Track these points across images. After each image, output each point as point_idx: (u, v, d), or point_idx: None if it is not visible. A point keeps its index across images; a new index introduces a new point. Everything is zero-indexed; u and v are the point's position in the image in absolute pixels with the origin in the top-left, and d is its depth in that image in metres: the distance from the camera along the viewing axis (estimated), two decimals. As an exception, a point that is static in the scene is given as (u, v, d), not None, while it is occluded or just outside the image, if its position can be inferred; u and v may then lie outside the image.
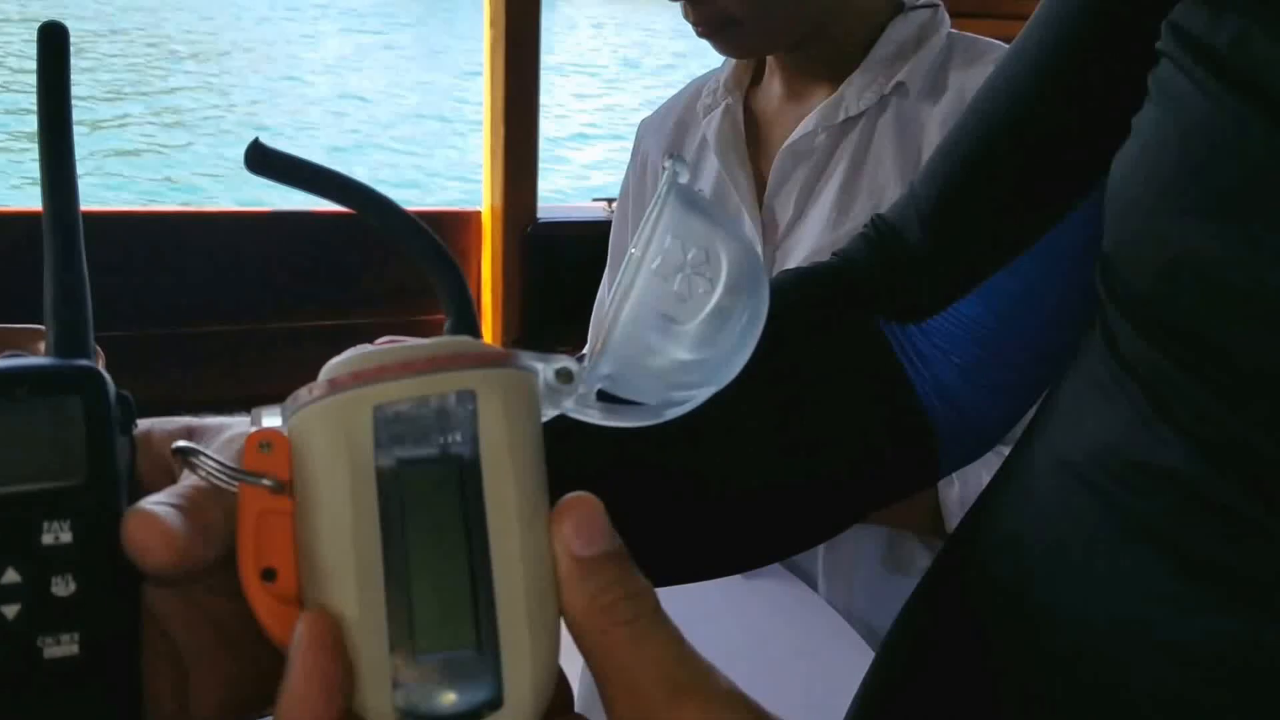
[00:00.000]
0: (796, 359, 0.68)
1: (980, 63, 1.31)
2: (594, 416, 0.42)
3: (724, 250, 0.42)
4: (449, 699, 0.38)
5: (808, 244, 1.35)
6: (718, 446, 0.66)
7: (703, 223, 0.42)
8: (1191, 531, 0.49)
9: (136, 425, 0.43)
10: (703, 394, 0.43)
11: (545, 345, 2.68)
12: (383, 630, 0.38)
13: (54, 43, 0.42)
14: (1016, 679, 0.56)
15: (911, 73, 1.33)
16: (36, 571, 0.38)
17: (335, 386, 0.38)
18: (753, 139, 1.46)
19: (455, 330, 0.43)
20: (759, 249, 1.39)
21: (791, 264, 1.35)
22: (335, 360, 0.40)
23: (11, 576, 0.38)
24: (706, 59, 1.53)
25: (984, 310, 0.67)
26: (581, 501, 0.39)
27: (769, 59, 1.48)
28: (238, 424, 0.45)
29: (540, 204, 2.77)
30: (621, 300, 0.42)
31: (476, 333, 0.42)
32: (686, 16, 1.34)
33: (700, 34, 1.35)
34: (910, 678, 0.67)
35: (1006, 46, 0.72)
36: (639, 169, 1.60)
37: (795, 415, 0.68)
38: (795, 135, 1.37)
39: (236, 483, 0.39)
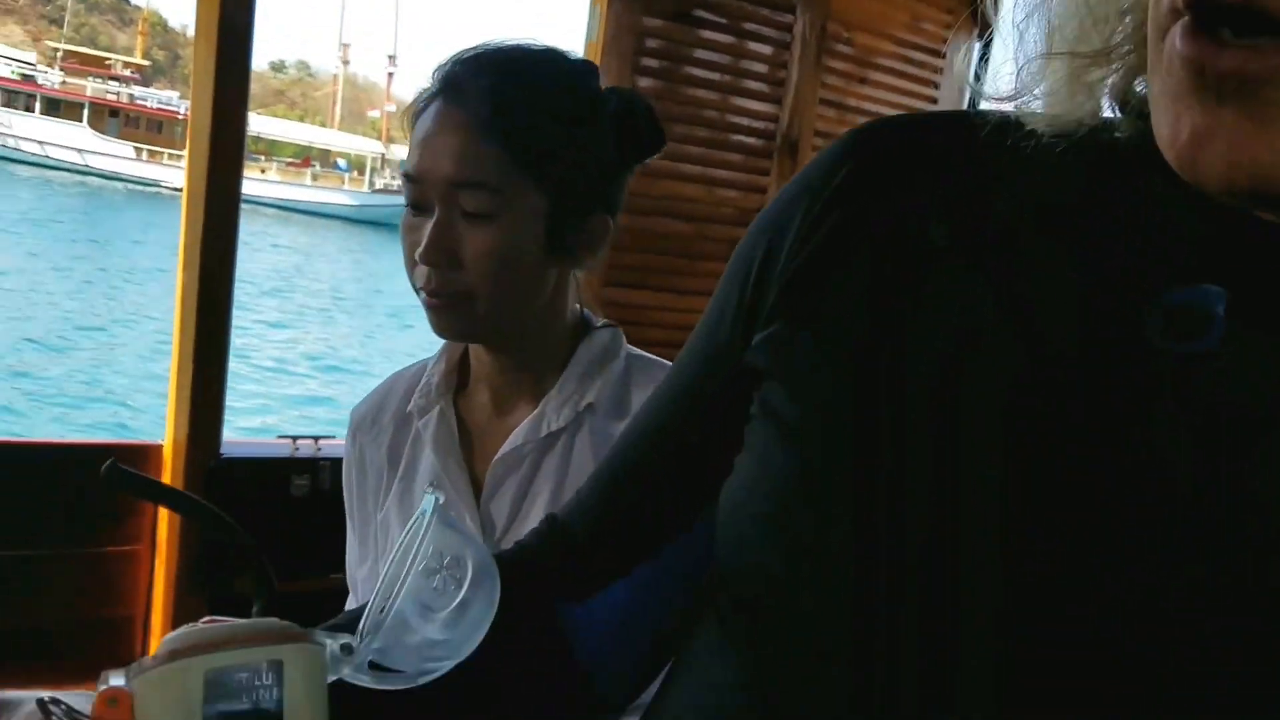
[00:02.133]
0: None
1: (655, 383, 1.46)
2: (365, 680, 0.56)
3: (470, 557, 0.57)
4: None
5: None
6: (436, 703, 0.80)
7: (455, 536, 0.57)
8: None
9: None
10: (448, 664, 0.57)
11: (222, 578, 2.71)
12: None
13: None
14: None
15: (599, 394, 1.46)
16: None
17: (176, 655, 0.51)
18: (465, 442, 1.53)
19: (264, 613, 0.56)
20: None
21: None
22: (173, 634, 0.52)
23: None
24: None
25: (628, 595, 0.85)
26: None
27: (475, 370, 1.57)
28: (29, 698, 0.56)
29: (225, 440, 2.81)
30: (393, 593, 0.56)
31: (280, 614, 0.55)
32: (424, 285, 1.39)
33: (429, 304, 1.40)
34: None
35: None
36: (357, 459, 1.64)
37: (488, 683, 0.82)
38: (506, 448, 1.47)
39: None
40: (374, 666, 0.56)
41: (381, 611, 0.56)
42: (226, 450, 2.81)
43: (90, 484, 2.76)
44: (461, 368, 1.60)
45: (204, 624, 0.53)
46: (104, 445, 3.19)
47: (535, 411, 1.49)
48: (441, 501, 0.57)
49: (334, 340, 18.51)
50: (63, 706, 0.52)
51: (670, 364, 0.92)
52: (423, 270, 1.39)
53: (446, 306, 1.40)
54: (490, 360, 1.53)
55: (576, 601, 0.86)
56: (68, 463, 2.83)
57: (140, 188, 43.43)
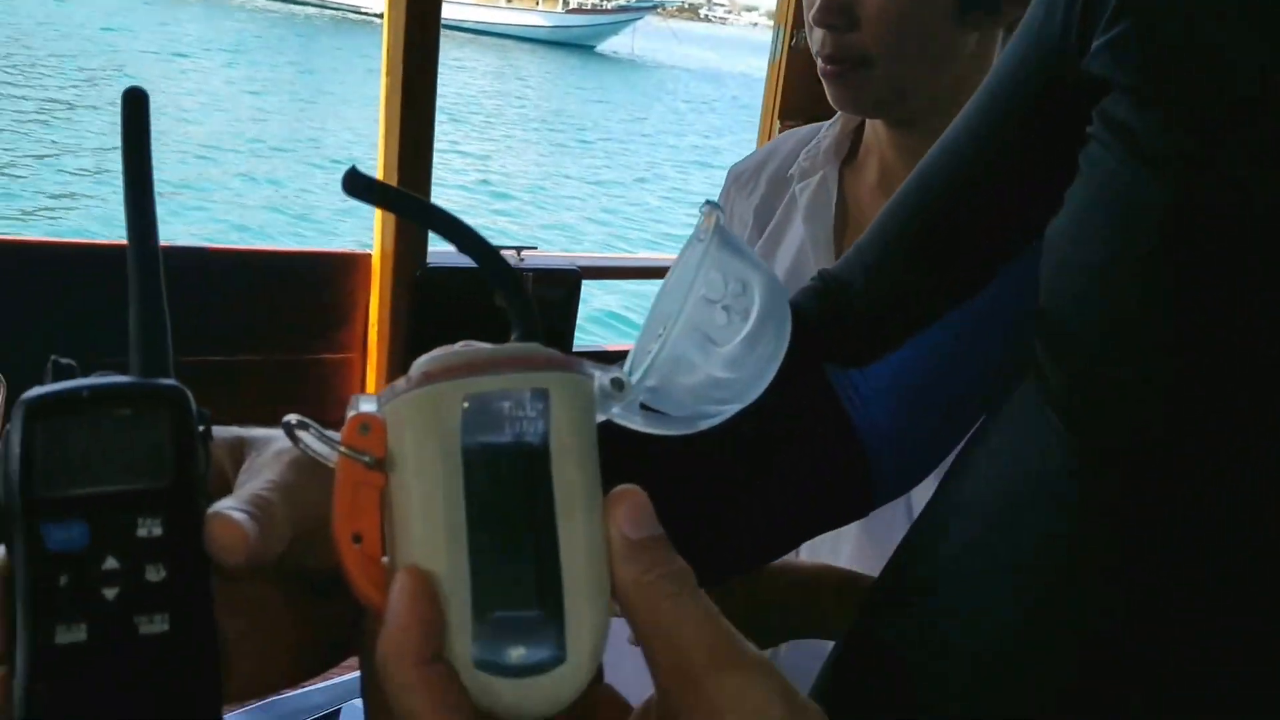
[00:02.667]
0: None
1: None
2: (635, 423, 0.48)
3: (758, 285, 0.49)
4: (518, 654, 0.43)
5: None
6: (705, 466, 0.72)
7: (741, 260, 0.49)
8: (1106, 559, 0.56)
9: (211, 436, 0.49)
10: (730, 409, 0.49)
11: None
12: (466, 590, 0.43)
13: (135, 105, 0.48)
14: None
15: None
16: (133, 559, 0.44)
17: (431, 378, 0.44)
18: (840, 215, 1.41)
19: (523, 339, 0.49)
20: None
21: None
22: (426, 357, 0.46)
23: (112, 563, 0.44)
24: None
25: (916, 359, 0.75)
26: (631, 492, 0.45)
27: (869, 140, 1.43)
28: (278, 436, 0.51)
29: (430, 250, 2.81)
30: (669, 323, 0.48)
31: (542, 342, 0.48)
32: (819, 51, 1.27)
33: (826, 73, 1.29)
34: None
35: None
36: (728, 216, 1.55)
37: (758, 448, 0.75)
38: None
39: (336, 457, 0.45)
40: (645, 409, 0.49)
41: (653, 349, 0.48)
42: (432, 260, 2.80)
43: (304, 292, 2.78)
44: (856, 136, 1.45)
45: (459, 347, 0.46)
46: (316, 253, 3.21)
47: None
48: (723, 222, 0.49)
49: (521, 162, 18.59)
50: (312, 429, 0.46)
51: None
52: (819, 34, 1.26)
53: (843, 73, 1.27)
54: (888, 134, 1.38)
55: (856, 366, 0.77)
56: (283, 270, 2.85)
57: (343, 14, 44.49)
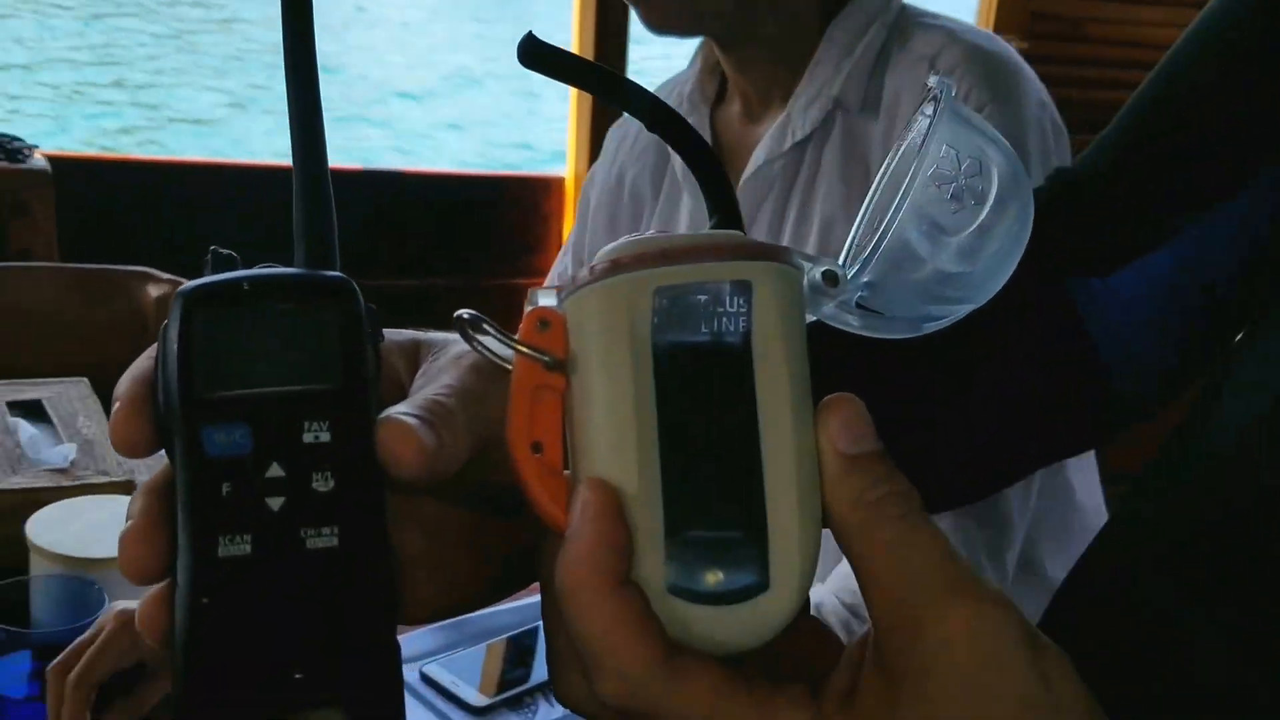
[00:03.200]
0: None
1: (917, 63, 1.15)
2: (851, 324, 0.42)
3: (997, 163, 0.42)
4: (715, 578, 0.38)
5: None
6: (921, 383, 0.66)
7: (976, 134, 0.42)
8: None
9: (381, 336, 0.45)
10: (961, 310, 0.42)
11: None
12: (658, 506, 0.38)
13: (298, 7, 0.44)
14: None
15: (847, 84, 1.19)
16: (299, 467, 0.40)
17: (619, 267, 0.39)
18: (722, 159, 1.30)
19: (722, 226, 0.43)
20: None
21: None
22: (613, 245, 0.40)
23: (276, 471, 0.40)
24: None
25: (1166, 265, 0.67)
26: (846, 400, 0.39)
27: (729, 76, 1.33)
28: (458, 339, 0.46)
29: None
30: (888, 212, 0.41)
31: (742, 229, 0.42)
32: None
33: None
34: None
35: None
36: (614, 180, 1.45)
37: (982, 362, 0.68)
38: (749, 169, 1.26)
39: (512, 357, 0.40)
40: (861, 308, 0.42)
41: (871, 242, 0.42)
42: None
43: (497, 216, 2.78)
44: (720, 77, 1.35)
45: (652, 234, 0.41)
46: (509, 177, 3.22)
47: (781, 116, 1.23)
48: (954, 93, 0.42)
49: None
50: (488, 326, 0.41)
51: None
52: None
53: None
54: (731, 58, 1.28)
55: (1096, 273, 0.69)
56: (476, 193, 2.85)
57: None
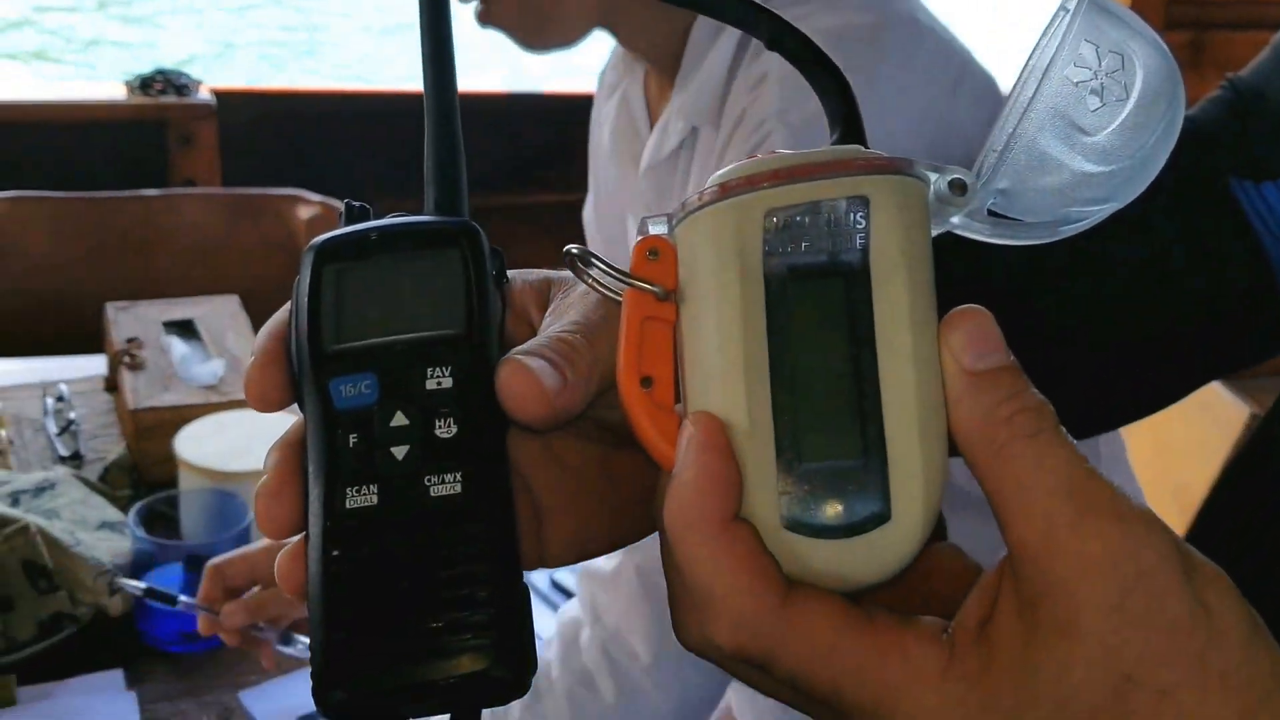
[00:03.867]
0: (1146, 214, 0.64)
1: (763, 82, 1.04)
2: (981, 232, 0.39)
3: (1140, 57, 0.38)
4: (834, 510, 0.36)
5: None
6: (1075, 290, 0.63)
7: (1118, 28, 0.38)
8: None
9: (508, 279, 0.44)
10: (1104, 210, 0.39)
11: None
12: (770, 437, 0.36)
13: None
14: None
15: (697, 98, 1.09)
16: (422, 415, 0.39)
17: (728, 190, 0.37)
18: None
19: (842, 141, 0.40)
20: None
21: None
22: (725, 169, 0.38)
23: (400, 419, 0.39)
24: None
25: None
26: (972, 312, 0.36)
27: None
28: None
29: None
30: (1020, 112, 0.38)
31: (864, 142, 0.40)
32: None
33: (475, 14, 1.13)
34: None
35: None
36: (596, 120, 1.37)
37: (1147, 269, 0.64)
38: (644, 164, 1.19)
39: (622, 290, 0.39)
40: (992, 215, 0.39)
41: (1001, 145, 0.39)
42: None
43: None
44: None
45: (764, 155, 0.38)
46: (549, 95, 3.18)
47: (660, 120, 1.15)
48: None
49: None
50: (596, 260, 0.40)
51: None
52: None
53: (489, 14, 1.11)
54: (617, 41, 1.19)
55: (1270, 178, 0.65)
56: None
57: None
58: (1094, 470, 0.34)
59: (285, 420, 0.43)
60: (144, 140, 2.86)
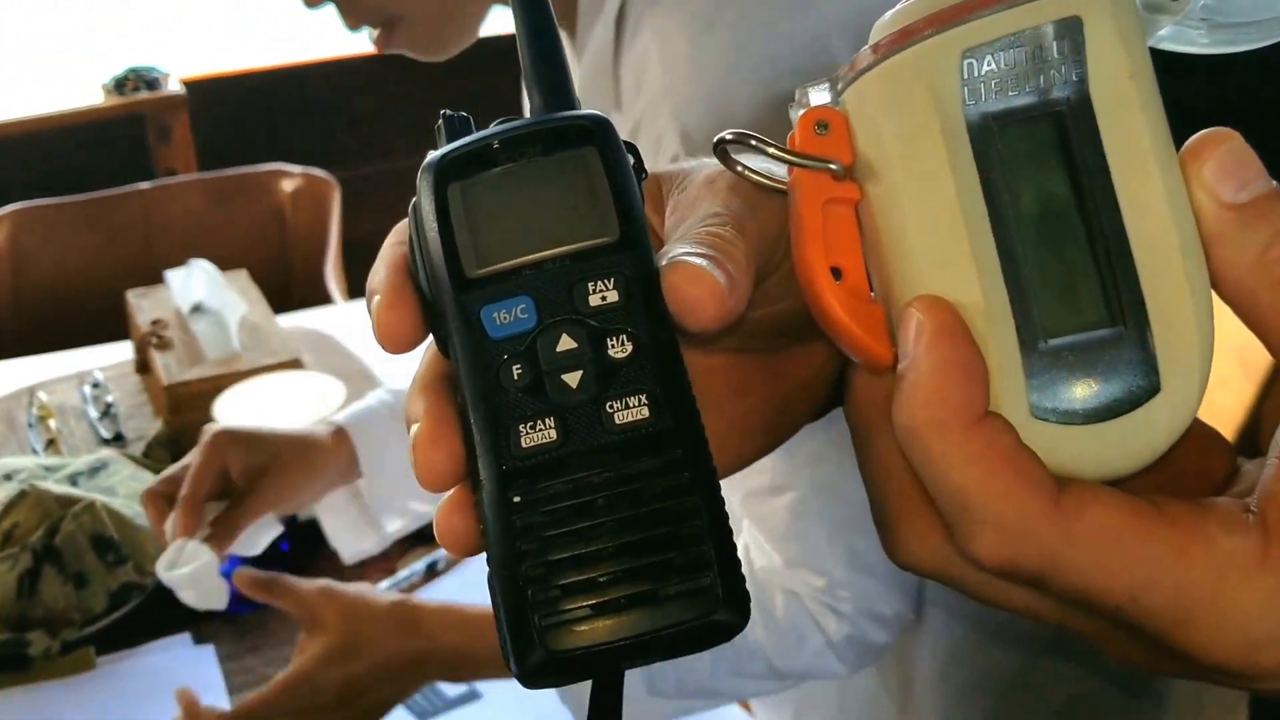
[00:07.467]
0: None
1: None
2: (1197, 42, 0.34)
3: None
4: (1091, 389, 0.30)
5: None
6: None
7: None
8: None
9: (646, 173, 0.37)
10: None
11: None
12: (1008, 315, 0.30)
13: None
14: None
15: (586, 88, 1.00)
16: (590, 335, 0.34)
17: (909, 35, 0.31)
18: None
19: None
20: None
21: None
22: (895, 10, 0.32)
23: (567, 342, 0.33)
24: None
25: None
26: (1221, 136, 0.30)
27: None
28: (698, 165, 0.40)
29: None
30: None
31: None
32: (346, 25, 1.03)
33: (373, 40, 1.04)
34: None
35: None
36: None
37: None
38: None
39: (790, 174, 0.33)
40: (1205, 23, 0.34)
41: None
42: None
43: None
44: None
45: None
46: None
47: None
48: None
49: None
50: (756, 142, 0.34)
51: None
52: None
53: (386, 39, 1.02)
54: None
55: None
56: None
57: None
58: None
59: (309, 378, 0.37)
60: (125, 136, 2.88)
